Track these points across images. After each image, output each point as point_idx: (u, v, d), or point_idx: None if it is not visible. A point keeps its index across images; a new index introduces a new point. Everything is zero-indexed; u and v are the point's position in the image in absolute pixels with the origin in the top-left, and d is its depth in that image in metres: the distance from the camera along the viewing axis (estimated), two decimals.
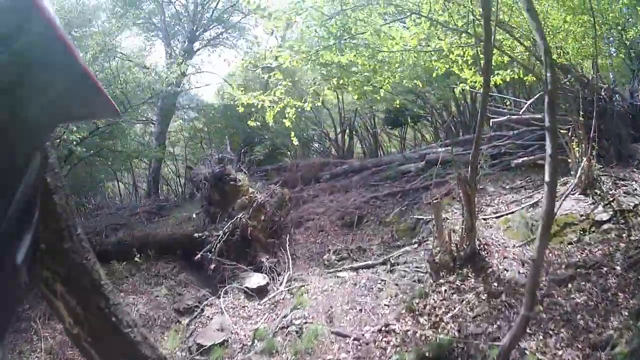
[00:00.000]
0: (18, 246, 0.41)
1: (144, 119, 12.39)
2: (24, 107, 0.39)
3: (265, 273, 6.01)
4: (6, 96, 0.37)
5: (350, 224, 7.65)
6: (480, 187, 6.00)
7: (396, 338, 3.90)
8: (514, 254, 4.46)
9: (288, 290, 5.53)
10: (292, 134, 6.08)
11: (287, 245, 6.83)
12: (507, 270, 4.20)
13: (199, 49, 14.13)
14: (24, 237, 0.42)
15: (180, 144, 14.66)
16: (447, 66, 5.70)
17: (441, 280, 4.36)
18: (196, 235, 6.43)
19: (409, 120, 12.95)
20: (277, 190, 7.49)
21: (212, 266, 5.94)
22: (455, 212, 5.78)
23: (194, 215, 7.90)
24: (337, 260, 6.39)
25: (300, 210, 8.65)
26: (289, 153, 14.74)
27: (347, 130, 14.25)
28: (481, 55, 4.64)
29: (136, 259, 6.34)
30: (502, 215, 5.35)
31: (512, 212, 5.29)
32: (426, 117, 13.12)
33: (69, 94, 0.44)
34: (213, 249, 6.11)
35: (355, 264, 6.00)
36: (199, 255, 5.97)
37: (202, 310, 5.38)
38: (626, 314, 3.26)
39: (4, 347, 0.61)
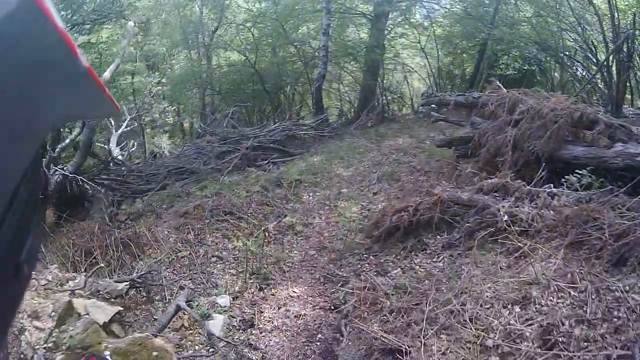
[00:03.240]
0: (22, 245, 0.41)
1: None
2: (22, 106, 0.39)
3: None
4: (3, 95, 0.37)
5: None
6: None
7: None
8: None
9: None
10: None
11: None
12: None
13: None
14: (26, 236, 0.42)
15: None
16: None
17: None
18: None
19: None
20: None
21: None
22: None
23: None
24: None
25: None
26: (541, 80, 9.06)
27: (625, 51, 7.04)
28: None
29: None
30: None
31: None
32: None
33: (69, 93, 0.44)
34: None
35: None
36: None
37: None
38: None
39: (4, 346, 0.61)
